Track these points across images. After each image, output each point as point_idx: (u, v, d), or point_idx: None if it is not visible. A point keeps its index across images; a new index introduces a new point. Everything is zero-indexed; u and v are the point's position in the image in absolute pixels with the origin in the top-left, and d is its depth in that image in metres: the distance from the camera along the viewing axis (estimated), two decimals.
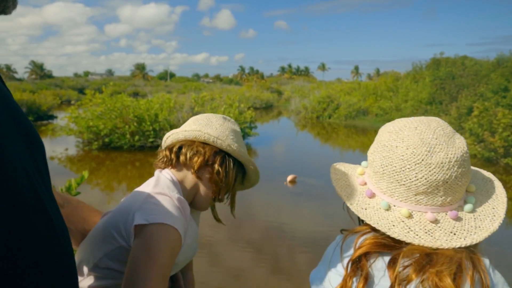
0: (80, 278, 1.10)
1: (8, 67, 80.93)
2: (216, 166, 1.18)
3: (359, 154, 14.38)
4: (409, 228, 0.85)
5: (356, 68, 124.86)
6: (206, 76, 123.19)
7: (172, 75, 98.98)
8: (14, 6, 0.57)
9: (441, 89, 19.54)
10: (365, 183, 0.98)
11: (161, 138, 14.42)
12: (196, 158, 1.16)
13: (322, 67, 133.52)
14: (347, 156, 14.29)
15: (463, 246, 0.82)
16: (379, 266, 0.84)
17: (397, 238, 0.85)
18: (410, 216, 0.87)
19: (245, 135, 15.58)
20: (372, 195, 0.94)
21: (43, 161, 0.60)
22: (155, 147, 13.75)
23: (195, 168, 1.16)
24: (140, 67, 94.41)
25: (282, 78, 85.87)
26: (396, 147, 0.88)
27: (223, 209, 1.35)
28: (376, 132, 1.02)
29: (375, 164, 0.93)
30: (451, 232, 0.84)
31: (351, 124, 22.76)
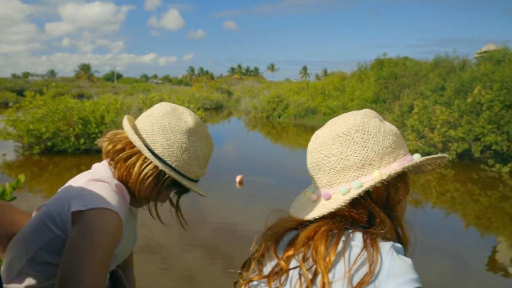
0: (10, 278, 1.02)
1: None
2: (136, 168, 1.08)
3: None
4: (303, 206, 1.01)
5: (305, 68, 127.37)
6: (155, 77, 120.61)
7: (119, 76, 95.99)
8: None
9: (384, 88, 20.43)
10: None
11: None
12: (121, 155, 1.11)
13: (272, 67, 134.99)
14: (296, 154, 14.57)
15: (307, 219, 0.93)
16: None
17: (296, 214, 0.99)
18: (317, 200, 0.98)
19: None
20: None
21: None
22: (101, 150, 13.29)
23: (117, 163, 1.11)
24: (85, 68, 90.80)
25: (232, 79, 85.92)
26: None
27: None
28: None
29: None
30: (314, 209, 0.94)
31: (300, 123, 23.25)
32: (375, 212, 0.89)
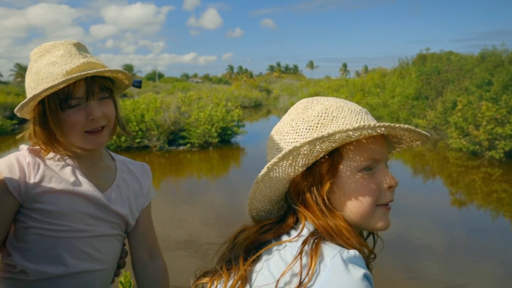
0: None
1: None
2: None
3: None
4: None
5: (345, 65, 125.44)
6: (195, 76, 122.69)
7: (160, 76, 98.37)
8: None
9: (427, 84, 19.75)
10: None
11: (148, 138, 14.45)
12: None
13: (311, 65, 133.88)
14: None
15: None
16: None
17: None
18: None
19: (232, 133, 15.63)
20: None
21: None
22: (142, 148, 13.72)
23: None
24: (128, 68, 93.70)
25: (271, 77, 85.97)
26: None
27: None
28: None
29: None
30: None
31: None
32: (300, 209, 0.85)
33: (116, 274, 1.32)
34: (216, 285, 0.87)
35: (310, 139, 0.78)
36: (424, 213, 8.01)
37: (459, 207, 8.83)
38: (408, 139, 0.90)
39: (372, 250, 0.88)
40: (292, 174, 0.85)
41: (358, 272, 0.68)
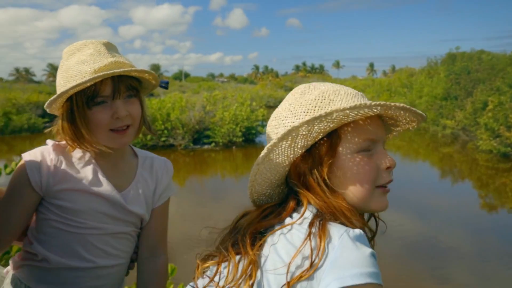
0: None
1: (27, 70, 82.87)
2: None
3: None
4: None
5: (371, 65, 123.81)
6: (221, 75, 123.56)
7: (187, 75, 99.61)
8: None
9: (456, 84, 19.27)
10: None
11: (173, 137, 14.66)
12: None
13: (337, 64, 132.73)
14: None
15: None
16: None
17: None
18: None
19: (256, 133, 15.67)
20: None
21: None
22: (167, 146, 13.93)
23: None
24: (155, 68, 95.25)
25: (296, 77, 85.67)
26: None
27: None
28: None
29: None
30: None
31: None
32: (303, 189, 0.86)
33: (130, 268, 1.34)
34: (220, 270, 0.88)
35: (308, 118, 0.79)
36: (452, 217, 7.83)
37: (489, 211, 8.59)
38: (404, 120, 0.90)
39: (375, 232, 0.90)
40: (291, 156, 0.86)
41: (366, 249, 0.71)
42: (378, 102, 0.79)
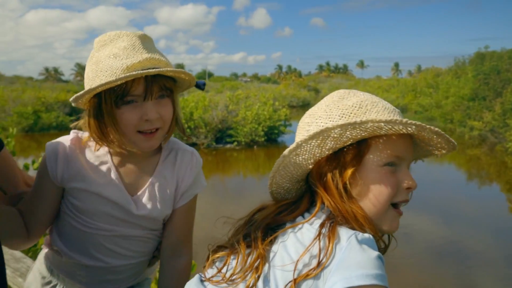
0: None
1: (55, 70, 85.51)
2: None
3: None
4: None
5: (396, 65, 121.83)
6: (244, 75, 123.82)
7: (210, 75, 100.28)
8: None
9: (484, 84, 18.76)
10: None
11: (196, 136, 14.79)
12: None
13: (361, 64, 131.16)
14: None
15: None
16: None
17: None
18: None
19: (279, 132, 15.65)
20: None
21: None
22: (190, 145, 14.05)
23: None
24: (179, 68, 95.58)
25: (320, 76, 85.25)
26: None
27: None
28: None
29: None
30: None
31: None
32: (320, 194, 0.87)
33: (152, 263, 1.32)
34: (229, 262, 0.91)
35: (342, 123, 0.81)
36: (479, 221, 7.64)
37: None
38: (434, 145, 0.90)
39: (387, 245, 0.92)
40: (318, 155, 0.88)
41: (373, 252, 0.72)
42: (413, 122, 0.79)
